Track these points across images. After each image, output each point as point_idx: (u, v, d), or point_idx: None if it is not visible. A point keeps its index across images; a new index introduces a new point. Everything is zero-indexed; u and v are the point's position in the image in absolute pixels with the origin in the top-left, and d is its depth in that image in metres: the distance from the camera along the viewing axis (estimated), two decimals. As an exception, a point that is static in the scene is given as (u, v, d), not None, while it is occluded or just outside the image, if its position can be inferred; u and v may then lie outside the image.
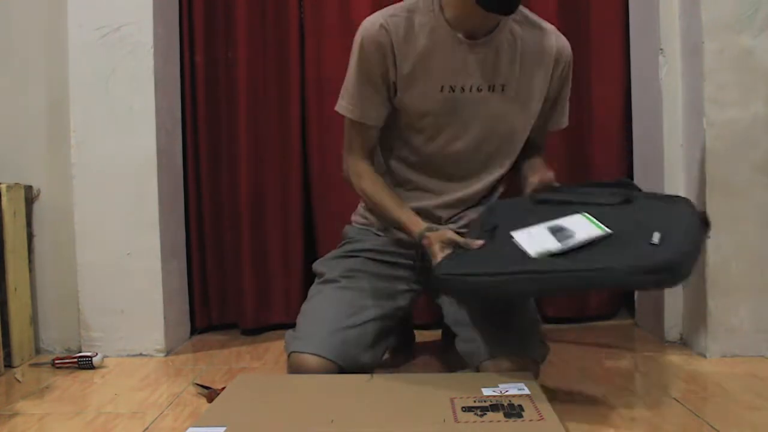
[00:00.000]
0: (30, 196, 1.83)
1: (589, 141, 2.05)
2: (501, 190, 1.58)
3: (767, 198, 1.63)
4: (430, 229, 1.37)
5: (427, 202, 1.50)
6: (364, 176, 1.48)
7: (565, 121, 1.55)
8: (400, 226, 1.44)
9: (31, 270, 1.81)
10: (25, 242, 1.79)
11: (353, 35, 2.03)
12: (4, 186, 1.70)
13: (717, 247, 1.62)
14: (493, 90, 1.41)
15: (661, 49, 1.78)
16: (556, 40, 1.45)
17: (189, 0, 1.99)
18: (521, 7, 1.40)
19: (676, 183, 1.77)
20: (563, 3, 2.01)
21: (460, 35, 1.38)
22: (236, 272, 2.03)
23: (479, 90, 1.41)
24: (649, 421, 1.21)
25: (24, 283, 1.77)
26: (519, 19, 1.42)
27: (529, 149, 1.51)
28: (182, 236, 1.98)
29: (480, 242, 1.26)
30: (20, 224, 1.76)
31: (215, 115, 2.03)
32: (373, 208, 1.52)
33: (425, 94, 1.41)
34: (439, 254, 1.29)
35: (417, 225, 1.39)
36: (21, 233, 1.77)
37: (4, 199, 1.69)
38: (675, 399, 1.33)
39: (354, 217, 1.63)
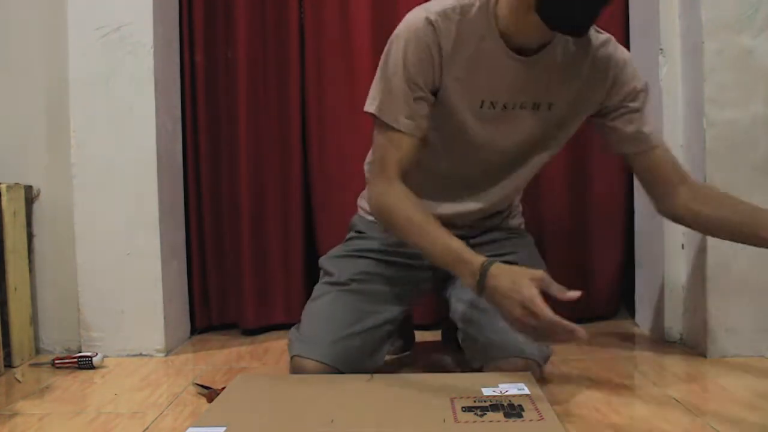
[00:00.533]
0: (30, 196, 1.83)
1: (589, 141, 2.05)
2: (517, 202, 1.57)
3: (767, 198, 1.63)
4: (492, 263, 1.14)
5: (442, 210, 1.41)
6: (402, 201, 1.24)
7: (656, 136, 1.38)
8: (452, 258, 1.18)
9: (31, 270, 1.81)
10: (25, 242, 1.79)
11: (353, 35, 2.04)
12: (4, 186, 1.70)
13: (717, 247, 1.62)
14: (538, 109, 1.32)
15: (661, 49, 1.78)
16: (615, 51, 1.34)
17: (189, 0, 1.99)
18: None
19: (676, 183, 1.77)
20: (563, 3, 2.01)
21: (510, 48, 1.26)
22: (236, 272, 2.03)
23: (522, 107, 1.31)
24: (649, 421, 1.21)
25: (24, 283, 1.77)
26: None
27: (672, 176, 1.36)
28: (182, 236, 1.98)
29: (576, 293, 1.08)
30: (20, 224, 1.76)
31: (215, 115, 2.03)
32: (411, 239, 1.24)
33: (465, 111, 1.31)
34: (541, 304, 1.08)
35: (476, 257, 1.16)
36: (21, 233, 1.77)
37: (4, 199, 1.69)
38: (675, 399, 1.33)
39: (360, 202, 1.57)
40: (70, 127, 1.77)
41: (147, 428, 1.24)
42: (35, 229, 1.84)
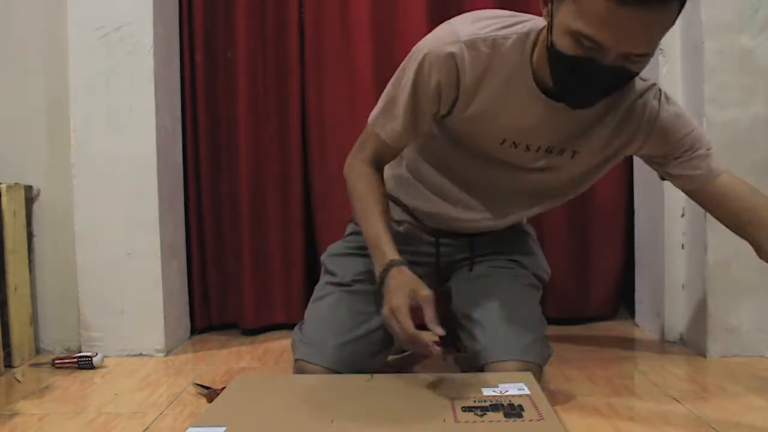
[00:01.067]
0: (30, 196, 1.83)
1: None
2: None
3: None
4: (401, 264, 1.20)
5: (447, 211, 1.41)
6: (363, 179, 1.31)
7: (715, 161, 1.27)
8: (373, 243, 1.26)
9: (31, 270, 1.81)
10: (25, 242, 1.79)
11: (353, 35, 2.04)
12: (4, 186, 1.70)
13: (717, 247, 1.62)
14: (561, 154, 1.27)
15: (661, 49, 1.78)
16: (652, 100, 1.23)
17: (189, 0, 1.99)
18: (656, 88, 1.23)
19: (676, 183, 1.77)
20: (563, 3, 2.01)
21: (541, 89, 1.19)
22: (236, 272, 2.03)
23: (549, 152, 1.26)
24: (649, 421, 1.21)
25: (24, 283, 1.77)
26: (630, 93, 1.23)
27: (735, 200, 1.26)
28: (182, 236, 1.98)
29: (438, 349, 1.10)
30: (20, 224, 1.76)
31: (215, 115, 2.03)
32: (356, 214, 1.33)
33: (484, 142, 1.27)
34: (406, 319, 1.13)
35: (392, 254, 1.22)
36: (21, 233, 1.77)
37: (4, 199, 1.69)
38: (675, 399, 1.33)
39: None
40: (70, 127, 1.77)
41: (147, 428, 1.24)
42: (35, 229, 1.84)
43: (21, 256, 1.76)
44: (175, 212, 1.92)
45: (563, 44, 1.05)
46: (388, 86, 1.29)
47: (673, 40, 1.77)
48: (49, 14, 1.81)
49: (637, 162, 2.00)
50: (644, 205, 1.96)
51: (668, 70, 1.78)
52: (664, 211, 1.79)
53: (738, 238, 1.57)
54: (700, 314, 1.67)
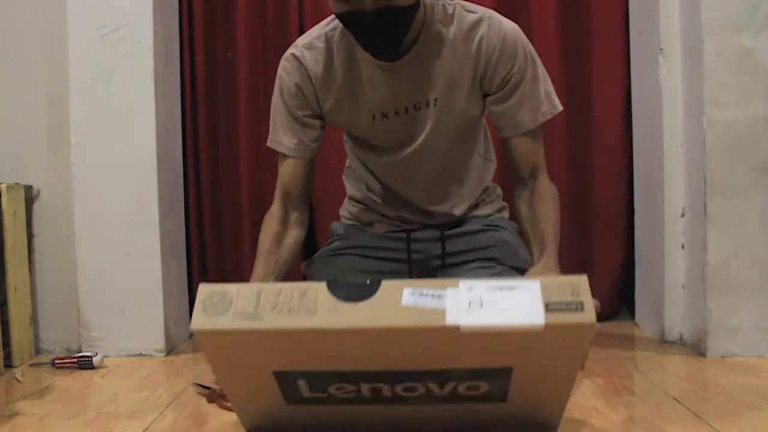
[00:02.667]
0: (30, 196, 1.83)
1: (590, 141, 2.05)
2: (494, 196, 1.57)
3: (767, 198, 1.63)
4: None
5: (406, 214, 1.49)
6: (262, 227, 1.40)
7: (537, 118, 1.35)
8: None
9: (31, 270, 1.81)
10: (25, 242, 1.79)
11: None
12: (4, 186, 1.70)
13: (717, 247, 1.62)
14: (427, 106, 1.34)
15: (661, 49, 1.78)
16: (487, 32, 1.29)
17: (189, 0, 1.99)
18: (448, 3, 1.30)
19: (676, 183, 1.77)
20: (563, 3, 2.01)
21: (379, 59, 1.29)
22: (236, 272, 2.03)
23: (416, 109, 1.34)
24: (649, 421, 1.21)
25: (24, 283, 1.77)
26: (442, 19, 1.30)
27: (518, 161, 1.38)
28: (182, 236, 1.98)
29: None
30: (20, 224, 1.76)
31: (215, 115, 2.03)
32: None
33: (357, 123, 1.37)
34: None
35: None
36: (21, 233, 1.77)
37: (4, 199, 1.69)
38: (675, 399, 1.33)
39: (341, 212, 1.63)
40: (70, 127, 1.77)
41: (147, 428, 1.24)
42: (35, 229, 1.84)
43: (21, 256, 1.76)
44: (175, 212, 1.92)
45: (333, 7, 1.20)
46: (270, 114, 1.41)
47: (673, 40, 1.77)
48: (49, 14, 1.82)
49: (637, 162, 2.00)
50: (644, 205, 1.96)
51: (668, 70, 1.78)
52: (664, 211, 1.79)
53: (738, 237, 1.57)
54: (700, 314, 1.67)
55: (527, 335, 0.87)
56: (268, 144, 1.42)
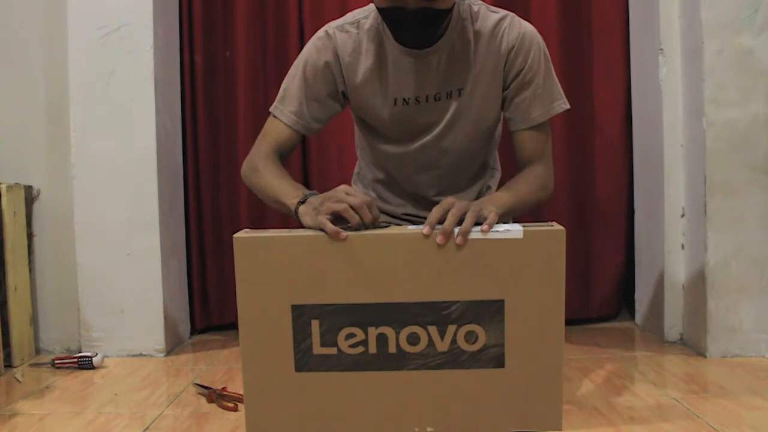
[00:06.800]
0: (30, 196, 1.83)
1: (590, 141, 2.05)
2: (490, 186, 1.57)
3: (767, 198, 1.63)
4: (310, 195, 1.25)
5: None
6: (268, 172, 1.36)
7: (549, 111, 1.38)
8: (282, 193, 1.31)
9: (31, 270, 1.81)
10: (25, 242, 1.79)
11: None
12: (4, 186, 1.70)
13: (717, 247, 1.62)
14: (450, 96, 1.37)
15: (661, 49, 1.78)
16: (508, 29, 1.35)
17: (189, 0, 1.99)
18: (474, 2, 1.36)
19: (676, 183, 1.77)
20: (563, 3, 2.01)
21: (406, 47, 1.32)
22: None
23: (437, 99, 1.36)
24: (649, 421, 1.21)
25: (24, 283, 1.77)
26: (469, 16, 1.36)
27: (522, 154, 1.41)
28: (182, 236, 1.98)
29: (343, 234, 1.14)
30: (20, 224, 1.76)
31: (215, 115, 2.03)
32: (269, 201, 1.37)
33: (380, 108, 1.39)
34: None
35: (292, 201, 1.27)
36: (21, 233, 1.77)
37: (4, 199, 1.69)
38: (675, 399, 1.33)
39: None
40: (70, 127, 1.77)
41: (147, 428, 1.24)
42: (35, 229, 1.84)
43: (21, 257, 1.77)
44: (175, 212, 1.92)
45: (376, 1, 1.27)
46: (282, 84, 1.42)
47: (673, 40, 1.77)
48: (48, 14, 1.82)
49: (637, 162, 2.00)
50: (644, 205, 1.96)
51: (668, 70, 1.78)
52: (664, 211, 1.79)
53: (738, 237, 1.57)
54: (700, 314, 1.67)
55: (513, 261, 1.11)
56: (271, 110, 1.41)
